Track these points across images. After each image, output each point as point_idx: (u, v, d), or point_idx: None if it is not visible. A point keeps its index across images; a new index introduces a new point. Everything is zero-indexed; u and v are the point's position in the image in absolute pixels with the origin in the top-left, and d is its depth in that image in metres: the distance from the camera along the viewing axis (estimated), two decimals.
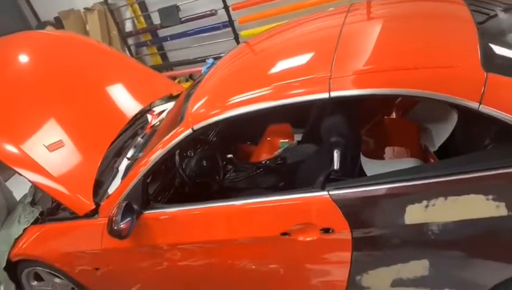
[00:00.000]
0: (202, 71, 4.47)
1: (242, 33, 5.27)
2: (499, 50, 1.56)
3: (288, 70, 1.88)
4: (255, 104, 1.74)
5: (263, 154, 2.84)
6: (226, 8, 5.16)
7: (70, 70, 2.99)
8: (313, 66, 1.81)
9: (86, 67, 3.11)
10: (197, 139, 2.46)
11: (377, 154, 2.14)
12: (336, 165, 1.72)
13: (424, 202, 1.47)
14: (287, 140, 2.88)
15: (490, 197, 1.39)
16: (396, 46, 1.70)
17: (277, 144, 2.89)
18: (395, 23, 1.92)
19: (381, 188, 1.54)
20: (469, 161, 1.47)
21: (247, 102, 1.76)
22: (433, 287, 1.61)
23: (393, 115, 2.37)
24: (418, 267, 1.57)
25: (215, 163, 2.46)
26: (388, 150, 2.16)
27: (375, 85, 1.54)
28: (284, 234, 1.71)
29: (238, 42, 5.17)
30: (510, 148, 1.42)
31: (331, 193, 1.62)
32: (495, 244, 1.46)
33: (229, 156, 2.69)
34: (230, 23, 5.26)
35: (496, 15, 1.88)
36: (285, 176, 2.51)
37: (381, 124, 2.30)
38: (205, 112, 1.89)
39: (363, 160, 1.94)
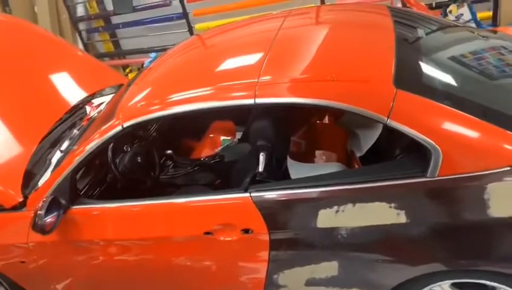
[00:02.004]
0: (144, 65, 4.42)
1: (196, 26, 5.24)
2: (410, 68, 1.67)
3: (222, 73, 1.92)
4: (186, 105, 1.77)
5: (204, 151, 2.87)
6: None
7: (10, 56, 2.88)
8: (244, 70, 1.86)
9: (28, 54, 3.00)
10: (134, 134, 2.45)
11: (309, 157, 2.23)
12: (261, 168, 1.79)
13: (335, 208, 1.56)
14: (229, 137, 2.93)
15: (392, 205, 1.50)
16: (321, 56, 1.78)
17: (219, 141, 2.93)
18: (325, 32, 2.00)
19: (297, 192, 1.62)
20: (377, 170, 1.58)
21: (177, 102, 1.79)
22: (342, 287, 1.72)
23: (326, 120, 2.46)
24: (329, 268, 1.67)
25: (151, 159, 2.46)
26: (318, 154, 2.26)
27: (296, 94, 1.61)
28: (207, 233, 1.75)
29: (191, 34, 5.14)
30: (412, 161, 1.54)
31: (252, 195, 1.68)
32: (395, 249, 1.58)
33: (169, 152, 2.70)
34: (184, 15, 5.21)
35: (418, 31, 2.01)
36: (222, 174, 2.56)
37: (314, 128, 2.39)
38: (137, 109, 1.89)
39: (289, 162, 2.01)
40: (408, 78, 1.60)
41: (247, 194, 1.69)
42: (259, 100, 1.63)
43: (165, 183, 2.59)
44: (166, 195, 2.03)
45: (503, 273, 1.53)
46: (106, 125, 1.90)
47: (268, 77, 1.69)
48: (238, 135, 2.92)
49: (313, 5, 4.42)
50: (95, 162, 2.28)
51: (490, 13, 4.15)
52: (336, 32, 1.99)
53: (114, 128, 1.86)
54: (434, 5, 4.21)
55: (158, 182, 2.51)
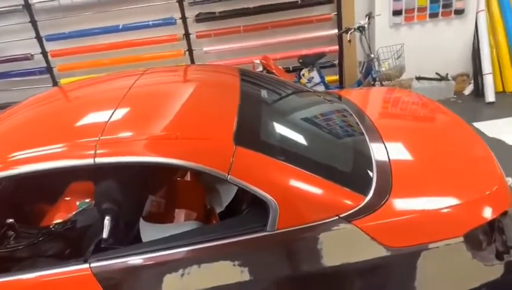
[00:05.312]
0: None
1: (62, 81, 4.97)
2: (251, 127, 1.76)
3: (65, 131, 1.79)
4: (14, 167, 1.58)
5: (57, 217, 2.58)
6: (43, 53, 4.82)
7: None
8: (88, 128, 1.76)
9: None
10: None
11: (168, 217, 2.14)
12: (105, 234, 1.65)
13: (180, 271, 1.49)
14: (87, 200, 2.70)
15: (236, 262, 1.49)
16: (167, 114, 1.77)
17: (75, 204, 2.68)
18: (175, 91, 2.03)
19: (140, 258, 1.52)
20: (220, 228, 1.57)
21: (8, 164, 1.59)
22: None
23: (188, 177, 2.43)
24: None
25: None
26: (178, 213, 2.19)
27: (138, 153, 1.55)
28: None
29: None
30: (254, 215, 1.57)
31: (92, 265, 1.52)
32: None
33: (10, 220, 2.37)
34: (48, 69, 4.91)
35: (264, 93, 2.16)
36: (73, 242, 2.31)
37: (175, 186, 2.33)
38: None
39: (143, 225, 1.90)
40: (248, 136, 1.67)
41: (86, 265, 1.53)
42: (99, 160, 1.54)
43: (3, 258, 2.23)
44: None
45: None
46: None
47: (111, 136, 1.62)
48: None
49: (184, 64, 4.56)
50: None
51: (337, 77, 4.77)
52: (184, 92, 2.03)
53: None
54: (291, 68, 4.69)
55: None
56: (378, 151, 1.87)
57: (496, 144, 3.47)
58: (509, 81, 4.69)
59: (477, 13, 4.59)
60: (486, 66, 4.59)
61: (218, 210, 2.12)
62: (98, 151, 1.55)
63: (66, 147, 1.62)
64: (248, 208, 1.75)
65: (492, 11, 4.63)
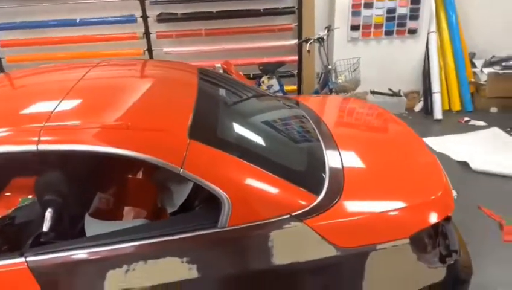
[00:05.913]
0: None
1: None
2: (207, 122, 1.74)
3: (6, 117, 1.67)
4: None
5: None
6: None
7: None
8: (34, 114, 1.66)
9: None
10: None
11: (117, 214, 2.06)
12: (46, 227, 1.56)
13: (125, 267, 1.43)
14: (30, 196, 2.54)
15: (184, 259, 1.45)
16: (118, 105, 1.71)
17: (17, 201, 2.51)
18: (128, 83, 1.97)
19: (81, 252, 1.44)
20: (169, 224, 1.53)
21: None
22: None
23: (140, 175, 2.36)
24: None
25: None
26: (128, 211, 2.11)
27: (85, 142, 1.48)
28: None
29: None
30: (206, 212, 1.54)
31: (28, 259, 1.43)
32: None
33: None
34: None
35: (221, 91, 2.14)
36: (12, 239, 2.16)
37: (125, 184, 2.25)
38: None
39: (88, 221, 1.81)
40: (203, 131, 1.64)
41: (22, 259, 1.43)
42: (42, 147, 1.45)
43: None
44: None
45: None
46: None
47: (57, 123, 1.54)
48: None
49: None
50: None
51: (295, 86, 4.86)
52: (139, 84, 1.97)
53: None
54: (251, 75, 4.73)
55: None
56: (331, 156, 1.90)
57: (442, 158, 3.64)
58: (455, 101, 4.98)
59: (428, 34, 4.86)
60: (435, 86, 4.86)
61: (171, 210, 2.07)
62: (42, 138, 1.46)
63: (7, 132, 1.52)
64: (200, 204, 1.71)
65: (442, 33, 4.93)
